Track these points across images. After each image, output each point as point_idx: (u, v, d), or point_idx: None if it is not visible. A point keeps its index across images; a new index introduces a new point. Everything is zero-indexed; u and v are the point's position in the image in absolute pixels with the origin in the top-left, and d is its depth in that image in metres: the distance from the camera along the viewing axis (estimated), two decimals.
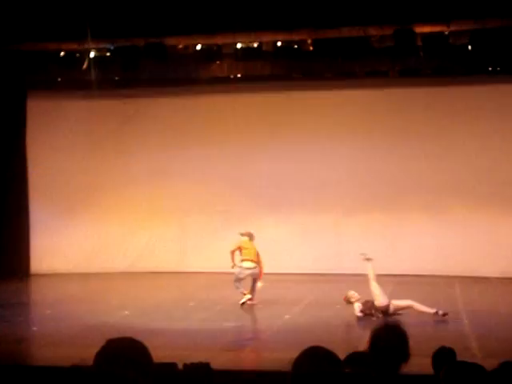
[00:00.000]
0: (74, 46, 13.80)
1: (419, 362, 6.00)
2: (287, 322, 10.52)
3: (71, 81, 15.38)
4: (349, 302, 10.81)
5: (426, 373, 4.91)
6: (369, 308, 10.65)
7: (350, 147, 15.61)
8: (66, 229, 16.45)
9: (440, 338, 8.53)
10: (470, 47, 12.62)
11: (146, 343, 2.57)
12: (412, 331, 10.24)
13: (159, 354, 3.35)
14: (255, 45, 13.27)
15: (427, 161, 15.30)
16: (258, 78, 15.27)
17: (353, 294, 10.79)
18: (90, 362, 2.52)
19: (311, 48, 13.25)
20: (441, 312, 10.42)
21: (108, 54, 13.88)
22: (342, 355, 3.53)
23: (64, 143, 16.50)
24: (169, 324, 10.28)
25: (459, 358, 4.88)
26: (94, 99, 16.17)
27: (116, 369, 2.39)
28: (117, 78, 15.60)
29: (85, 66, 13.98)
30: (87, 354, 2.60)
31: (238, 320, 10.75)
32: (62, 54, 14.04)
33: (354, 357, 3.72)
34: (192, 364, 2.68)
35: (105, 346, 2.53)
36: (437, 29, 12.60)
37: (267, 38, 13.28)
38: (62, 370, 2.42)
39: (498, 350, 8.33)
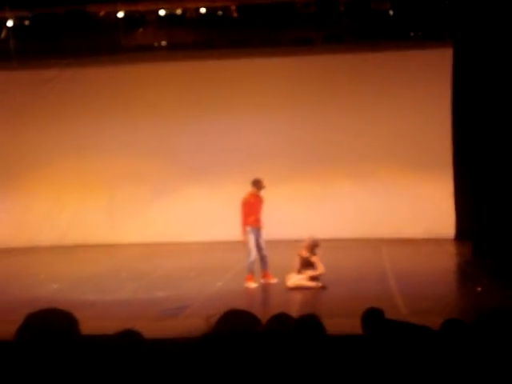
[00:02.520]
0: None
1: (348, 322, 6.16)
2: (220, 289, 10.60)
3: None
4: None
5: (355, 333, 5.04)
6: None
7: (275, 116, 15.64)
8: None
9: (367, 297, 8.77)
10: (391, 12, 12.82)
11: (76, 315, 2.52)
12: (339, 292, 10.50)
13: (90, 326, 3.34)
14: (179, 12, 13.13)
15: (351, 127, 15.50)
16: (182, 45, 15.11)
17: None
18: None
19: (235, 15, 13.21)
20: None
21: (27, 22, 13.49)
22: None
23: None
24: (100, 296, 10.20)
25: (386, 316, 5.01)
26: (14, 70, 15.69)
27: (38, 342, 2.36)
28: (37, 48, 15.17)
29: (2, 35, 13.56)
30: (12, 329, 2.54)
31: (170, 289, 10.74)
32: None
33: (276, 319, 3.77)
34: (121, 332, 2.65)
35: (26, 319, 2.46)
36: None
37: (191, 4, 13.16)
38: None
39: (423, 307, 8.64)
